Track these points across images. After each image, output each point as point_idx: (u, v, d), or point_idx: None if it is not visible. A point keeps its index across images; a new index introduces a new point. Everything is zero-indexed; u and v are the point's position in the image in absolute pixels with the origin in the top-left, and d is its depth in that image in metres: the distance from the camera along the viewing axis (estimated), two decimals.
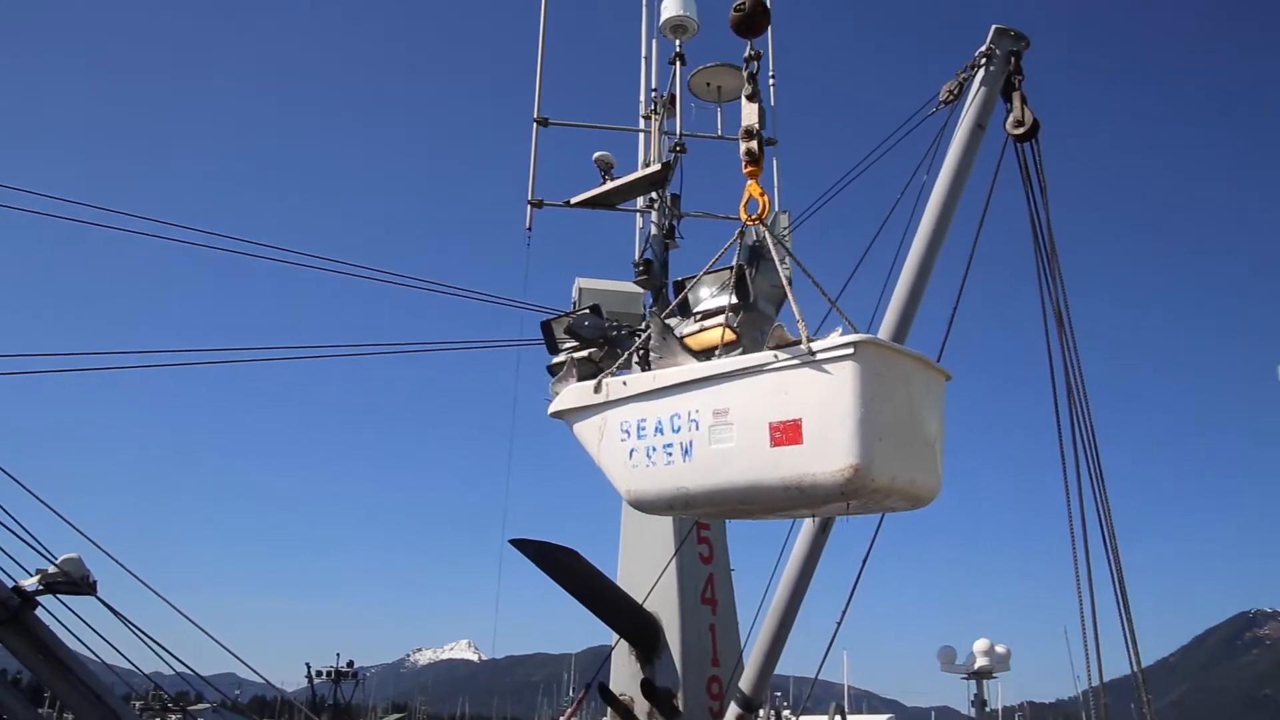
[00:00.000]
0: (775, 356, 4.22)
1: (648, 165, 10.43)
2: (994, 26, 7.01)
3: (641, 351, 5.39)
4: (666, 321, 5.26)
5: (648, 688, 9.30)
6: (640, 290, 10.35)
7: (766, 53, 11.19)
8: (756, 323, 8.97)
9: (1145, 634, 6.70)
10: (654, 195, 10.44)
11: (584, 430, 4.97)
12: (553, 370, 9.57)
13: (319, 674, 46.01)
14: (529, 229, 10.58)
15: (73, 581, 8.27)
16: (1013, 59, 6.96)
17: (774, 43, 11.37)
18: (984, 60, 6.99)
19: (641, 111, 11.37)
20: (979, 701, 21.28)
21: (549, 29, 11.16)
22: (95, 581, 8.92)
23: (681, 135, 10.51)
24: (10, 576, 7.35)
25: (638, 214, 10.91)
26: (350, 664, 47.17)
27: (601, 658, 10.10)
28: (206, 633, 9.13)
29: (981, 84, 6.97)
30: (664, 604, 9.57)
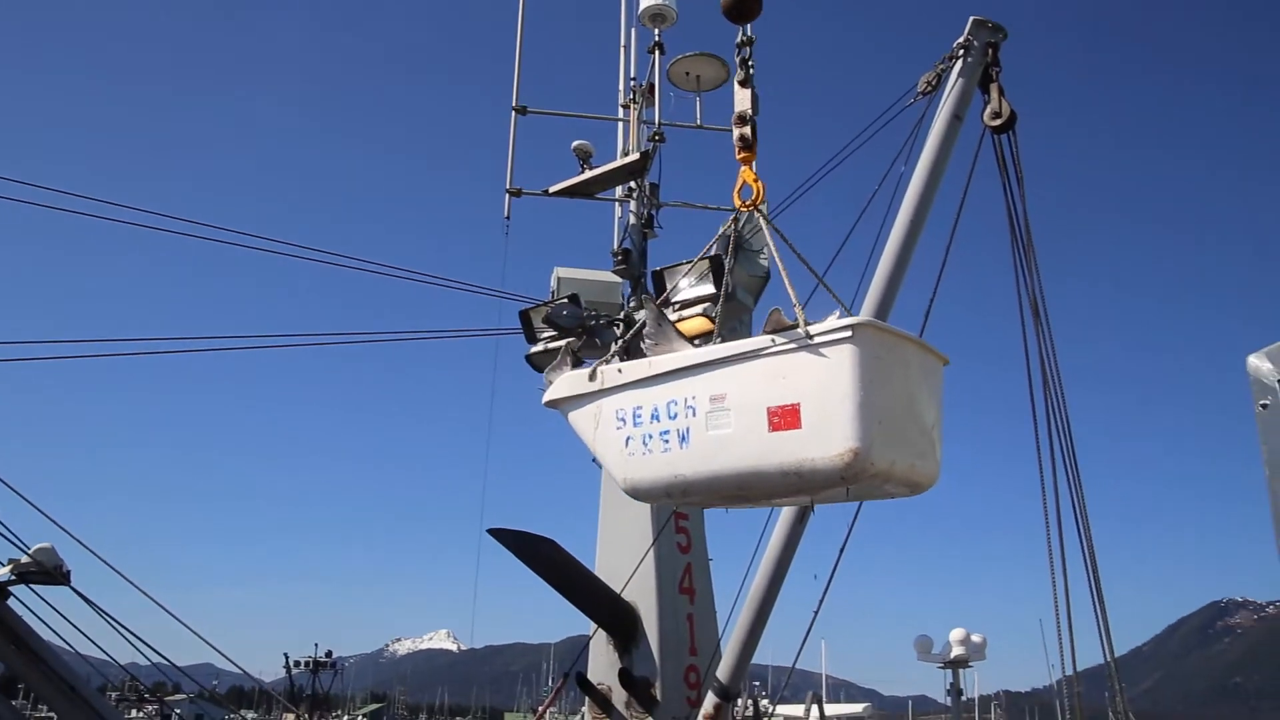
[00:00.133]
0: (772, 340, 4.15)
1: (626, 154, 10.43)
2: (972, 18, 7.01)
3: (626, 341, 5.33)
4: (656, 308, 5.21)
5: (626, 677, 9.32)
6: (619, 280, 10.35)
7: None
8: (735, 312, 9.00)
9: (1119, 623, 6.77)
10: (633, 184, 10.44)
11: (579, 419, 4.87)
12: (532, 360, 9.57)
13: (297, 664, 45.77)
14: (507, 218, 10.53)
15: (46, 571, 8.18)
16: (990, 50, 6.97)
17: (753, 32, 11.34)
18: (962, 52, 6.99)
19: (620, 100, 11.33)
20: (955, 690, 21.39)
21: (528, 17, 11.13)
22: (69, 571, 8.82)
23: (660, 125, 10.51)
24: None
25: (616, 203, 10.89)
26: (329, 654, 46.79)
27: (580, 647, 10.11)
28: (183, 623, 9.09)
29: (959, 75, 6.97)
30: (642, 593, 9.58)
